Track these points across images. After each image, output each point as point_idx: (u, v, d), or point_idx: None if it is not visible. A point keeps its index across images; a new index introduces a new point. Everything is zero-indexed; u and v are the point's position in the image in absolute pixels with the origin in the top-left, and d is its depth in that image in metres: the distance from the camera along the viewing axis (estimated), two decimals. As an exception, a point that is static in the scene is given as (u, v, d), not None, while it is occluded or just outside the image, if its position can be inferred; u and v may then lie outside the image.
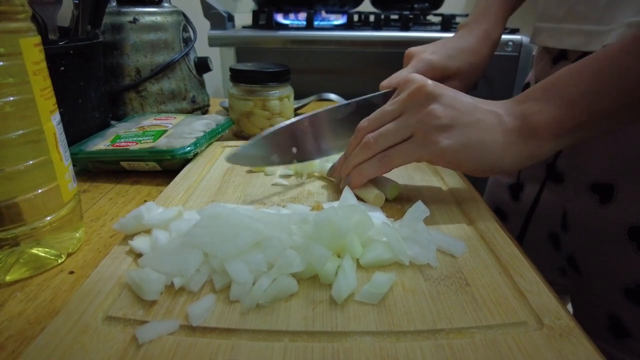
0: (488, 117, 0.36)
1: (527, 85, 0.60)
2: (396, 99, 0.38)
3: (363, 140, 0.38)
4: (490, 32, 0.55)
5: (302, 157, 0.44)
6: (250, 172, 0.46)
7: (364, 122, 0.40)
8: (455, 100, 0.36)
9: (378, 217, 0.35)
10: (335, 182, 0.43)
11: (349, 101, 0.45)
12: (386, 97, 0.48)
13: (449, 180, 0.44)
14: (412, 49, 0.55)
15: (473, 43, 0.54)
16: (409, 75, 0.39)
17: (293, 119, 0.42)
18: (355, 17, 1.03)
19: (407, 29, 0.88)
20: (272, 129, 0.41)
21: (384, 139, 0.37)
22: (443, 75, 0.53)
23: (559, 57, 0.50)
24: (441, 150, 0.35)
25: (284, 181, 0.44)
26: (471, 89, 0.57)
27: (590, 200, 0.46)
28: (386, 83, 0.51)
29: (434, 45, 0.55)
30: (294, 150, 0.43)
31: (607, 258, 0.45)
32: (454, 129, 0.35)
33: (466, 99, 0.37)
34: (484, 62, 0.55)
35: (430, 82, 0.37)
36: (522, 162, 0.36)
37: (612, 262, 0.44)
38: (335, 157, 0.45)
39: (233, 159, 0.40)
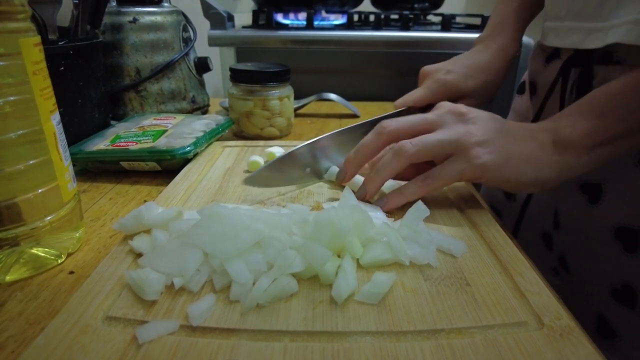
0: (521, 133, 0.36)
1: (523, 84, 0.60)
2: (432, 112, 0.38)
3: (399, 145, 0.36)
4: (506, 47, 0.54)
5: (315, 176, 0.43)
6: (248, 172, 0.46)
7: (390, 123, 0.37)
8: (492, 121, 0.37)
9: (378, 217, 0.35)
10: (358, 197, 0.38)
11: (362, 122, 0.44)
12: (400, 116, 0.48)
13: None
14: (427, 68, 0.54)
15: (489, 60, 0.54)
16: (441, 102, 0.39)
17: (307, 142, 0.42)
18: (355, 17, 1.03)
19: (407, 28, 0.88)
20: (287, 152, 0.41)
21: (426, 149, 0.35)
22: (458, 95, 0.52)
23: (553, 55, 0.50)
24: (484, 166, 0.34)
25: None
26: (487, 104, 0.57)
27: (580, 200, 0.46)
28: (400, 102, 0.51)
29: (449, 63, 0.54)
30: (307, 170, 0.42)
31: (596, 258, 0.45)
32: (494, 145, 0.35)
33: (497, 118, 0.37)
34: (499, 79, 0.55)
35: (462, 105, 0.38)
36: (562, 175, 0.36)
37: (601, 262, 0.45)
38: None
39: (249, 181, 0.39)
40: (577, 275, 0.48)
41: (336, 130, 0.44)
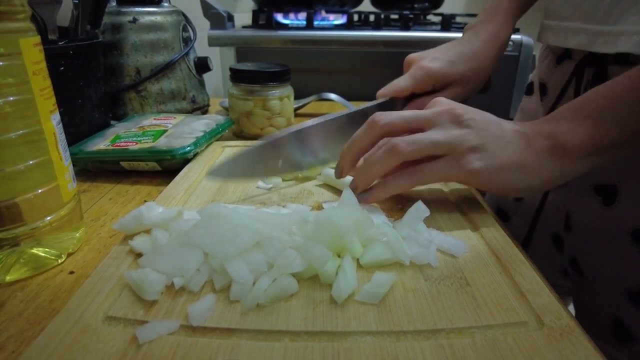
0: (517, 138, 0.35)
1: (531, 85, 0.60)
2: (427, 110, 0.37)
3: (392, 143, 0.35)
4: (497, 33, 0.53)
5: (288, 169, 0.42)
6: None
7: (384, 117, 0.36)
8: (487, 123, 0.36)
9: (378, 217, 0.35)
10: (337, 180, 0.40)
11: (340, 113, 0.43)
12: (381, 107, 0.47)
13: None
14: (412, 56, 0.53)
15: (478, 47, 0.52)
16: (437, 98, 0.38)
17: (279, 133, 0.41)
18: (355, 17, 1.03)
19: (407, 28, 0.88)
20: (256, 144, 0.40)
21: (419, 148, 0.35)
22: (444, 83, 0.51)
23: (564, 56, 0.50)
24: (474, 172, 0.34)
25: (266, 185, 0.42)
26: (482, 91, 0.56)
27: (594, 202, 0.45)
28: (382, 92, 0.49)
29: (435, 51, 0.53)
30: (280, 163, 0.41)
31: (611, 261, 0.45)
32: (487, 150, 0.34)
33: (494, 120, 0.36)
34: (490, 66, 0.53)
35: (458, 104, 0.36)
36: (553, 182, 0.35)
37: (616, 264, 0.44)
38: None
39: (213, 174, 0.38)
40: (590, 277, 0.48)
41: (310, 122, 0.42)
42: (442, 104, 0.37)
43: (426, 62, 0.50)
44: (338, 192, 0.41)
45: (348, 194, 0.34)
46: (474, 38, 0.53)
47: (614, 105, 0.33)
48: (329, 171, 0.42)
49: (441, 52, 0.52)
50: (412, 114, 0.37)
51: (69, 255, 0.34)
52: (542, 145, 0.35)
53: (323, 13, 0.97)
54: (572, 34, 0.45)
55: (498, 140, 0.35)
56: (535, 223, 0.53)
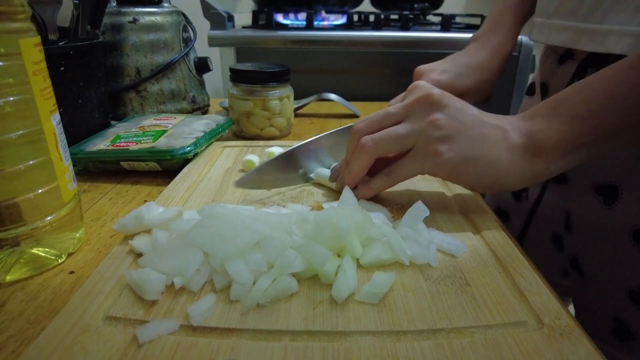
0: (493, 132, 0.34)
1: (532, 86, 0.60)
2: (400, 104, 0.37)
3: (360, 142, 0.36)
4: (502, 45, 0.54)
5: (305, 177, 0.44)
6: (243, 171, 0.46)
7: (360, 123, 0.38)
8: (461, 112, 0.35)
9: (378, 217, 0.35)
10: (336, 188, 0.41)
11: (349, 125, 0.44)
12: None
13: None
14: (421, 68, 0.54)
15: (484, 59, 0.53)
16: (417, 82, 0.38)
17: (301, 142, 0.42)
18: (355, 17, 1.03)
19: (407, 29, 0.88)
20: (282, 153, 0.42)
21: (383, 144, 0.36)
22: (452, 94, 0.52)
23: (565, 56, 0.50)
24: (442, 162, 0.34)
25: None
26: (482, 103, 0.57)
27: (595, 202, 0.45)
28: (395, 101, 0.51)
29: (444, 62, 0.53)
30: (301, 171, 0.43)
31: (612, 261, 0.45)
32: (457, 141, 0.34)
33: (472, 111, 0.36)
34: (494, 78, 0.54)
35: (436, 90, 0.36)
36: (527, 181, 0.35)
37: (617, 264, 0.44)
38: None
39: (242, 183, 0.39)
40: (591, 276, 0.48)
41: (328, 132, 0.44)
42: (419, 90, 0.37)
43: (435, 74, 0.51)
44: (338, 192, 0.41)
45: (348, 194, 0.34)
46: (480, 49, 0.54)
47: (590, 105, 0.32)
48: (323, 171, 0.43)
49: (449, 64, 0.53)
50: (384, 113, 0.37)
51: (69, 255, 0.34)
52: (518, 142, 0.34)
53: (323, 13, 0.97)
54: (556, 31, 0.45)
55: (470, 131, 0.34)
56: (529, 222, 0.53)
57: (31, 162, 0.29)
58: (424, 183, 0.44)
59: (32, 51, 0.29)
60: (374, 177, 0.38)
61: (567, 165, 0.34)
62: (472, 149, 0.34)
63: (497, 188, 0.35)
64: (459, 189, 0.42)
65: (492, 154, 0.34)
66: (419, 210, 0.33)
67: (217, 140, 0.55)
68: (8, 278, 0.30)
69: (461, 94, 0.51)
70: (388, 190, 0.40)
